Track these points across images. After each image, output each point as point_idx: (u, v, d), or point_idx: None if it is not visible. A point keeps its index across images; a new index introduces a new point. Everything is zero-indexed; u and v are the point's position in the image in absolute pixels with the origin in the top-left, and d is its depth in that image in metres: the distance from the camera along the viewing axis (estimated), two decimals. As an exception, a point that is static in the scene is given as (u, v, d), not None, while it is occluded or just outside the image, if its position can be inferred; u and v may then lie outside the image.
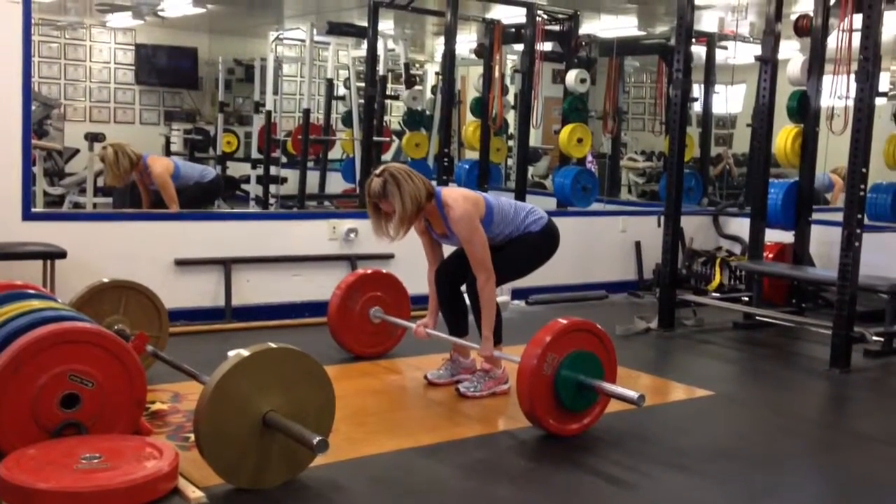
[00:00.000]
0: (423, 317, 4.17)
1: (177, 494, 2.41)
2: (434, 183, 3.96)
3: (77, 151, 8.71)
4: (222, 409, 2.69)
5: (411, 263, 4.60)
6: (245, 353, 2.76)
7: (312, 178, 8.88)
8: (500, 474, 3.12)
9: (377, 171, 3.66)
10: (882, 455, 3.50)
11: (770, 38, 5.66)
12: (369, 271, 4.61)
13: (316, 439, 2.61)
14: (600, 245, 6.75)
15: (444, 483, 3.01)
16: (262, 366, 2.78)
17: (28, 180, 4.77)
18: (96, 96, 10.36)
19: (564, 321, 3.45)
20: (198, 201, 5.89)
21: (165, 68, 10.75)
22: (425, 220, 3.86)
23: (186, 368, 3.31)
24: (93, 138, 7.54)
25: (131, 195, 5.96)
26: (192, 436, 2.85)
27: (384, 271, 4.67)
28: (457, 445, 3.34)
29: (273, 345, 2.84)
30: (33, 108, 5.20)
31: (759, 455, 3.42)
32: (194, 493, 2.41)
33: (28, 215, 4.71)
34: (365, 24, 7.42)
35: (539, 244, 3.97)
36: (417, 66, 10.38)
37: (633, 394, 3.33)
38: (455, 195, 3.78)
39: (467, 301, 4.02)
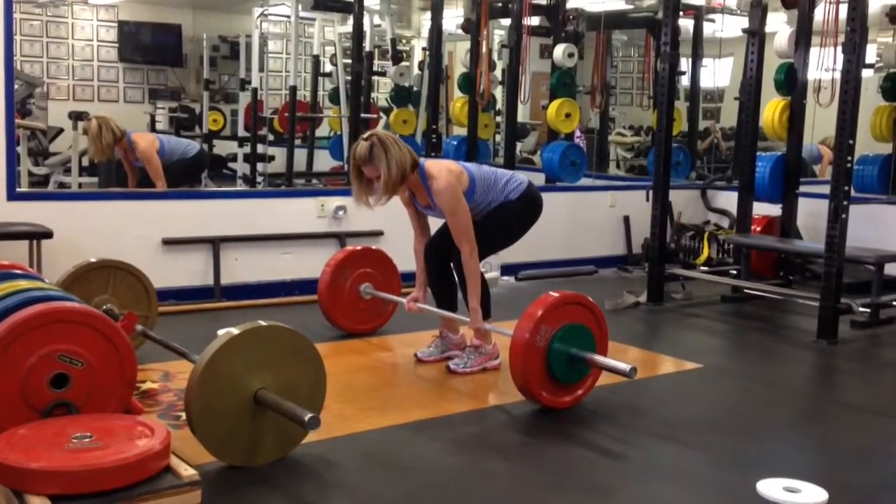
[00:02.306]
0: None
1: (169, 472, 2.41)
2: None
3: (61, 131, 8.64)
4: (213, 388, 2.69)
5: (401, 240, 4.59)
6: (235, 331, 2.76)
7: (300, 155, 8.83)
8: (492, 449, 3.14)
9: (365, 136, 3.65)
10: (869, 424, 3.54)
11: (757, 11, 5.66)
12: (359, 248, 4.60)
13: (307, 416, 2.61)
14: (589, 220, 6.76)
15: (436, 458, 3.03)
16: (253, 344, 2.78)
17: (12, 160, 4.73)
18: (79, 74, 10.26)
19: (556, 294, 3.46)
20: (184, 178, 5.86)
21: (149, 45, 10.65)
22: (409, 192, 3.86)
23: (176, 347, 3.31)
24: (77, 117, 7.47)
25: (117, 174, 5.92)
26: (183, 414, 2.85)
27: (373, 248, 4.66)
28: (448, 421, 3.36)
29: (263, 323, 2.84)
30: (16, 87, 5.14)
31: (748, 426, 3.45)
32: (186, 470, 2.41)
33: (13, 195, 4.68)
34: (350, -1, 7.35)
35: (520, 211, 3.95)
36: (404, 41, 10.30)
37: (624, 366, 3.35)
38: (439, 167, 3.77)
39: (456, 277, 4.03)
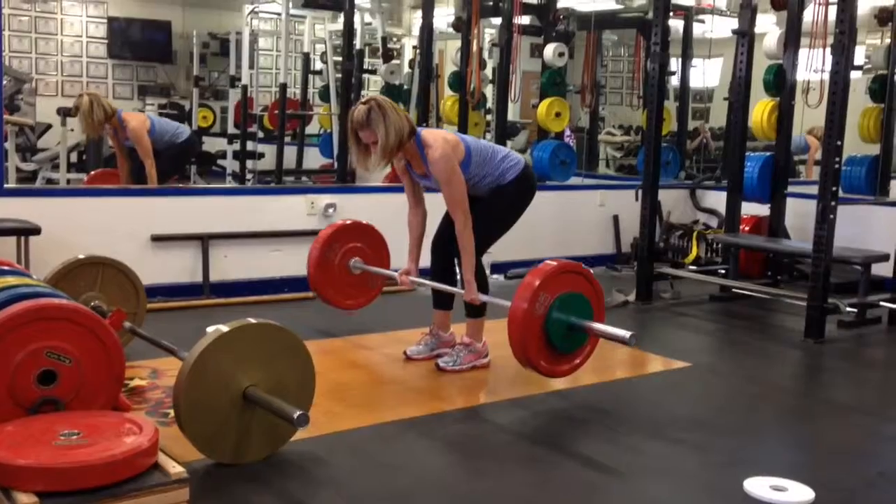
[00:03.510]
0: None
1: (157, 470, 2.40)
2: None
3: (49, 126, 8.59)
4: (202, 385, 2.68)
5: (390, 238, 4.59)
6: (224, 328, 2.75)
7: (290, 153, 8.83)
8: (481, 447, 3.14)
9: (363, 100, 3.63)
10: (855, 423, 3.56)
11: (747, 12, 5.68)
12: (348, 222, 4.55)
13: (296, 413, 2.61)
14: (578, 219, 6.77)
15: (425, 456, 3.03)
16: (242, 341, 2.77)
17: (0, 157, 4.70)
18: (68, 70, 10.19)
19: (554, 263, 3.45)
20: (175, 164, 5.86)
21: (139, 42, 10.59)
22: (405, 160, 3.84)
23: (165, 344, 3.30)
24: (65, 113, 7.44)
25: (105, 158, 5.90)
26: (171, 411, 2.84)
27: (363, 222, 4.61)
28: (437, 419, 3.36)
29: (252, 320, 2.83)
30: (4, 82, 5.12)
31: (736, 424, 3.47)
32: (175, 468, 2.41)
33: (1, 191, 4.66)
34: (341, -4, 7.34)
35: (515, 196, 3.92)
36: (395, 39, 10.29)
37: (623, 333, 3.34)
38: (435, 136, 3.74)
39: (458, 274, 4.02)
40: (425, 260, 4.08)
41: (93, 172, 6.53)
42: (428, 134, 3.75)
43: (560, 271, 3.43)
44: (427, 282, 4.06)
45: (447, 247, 3.97)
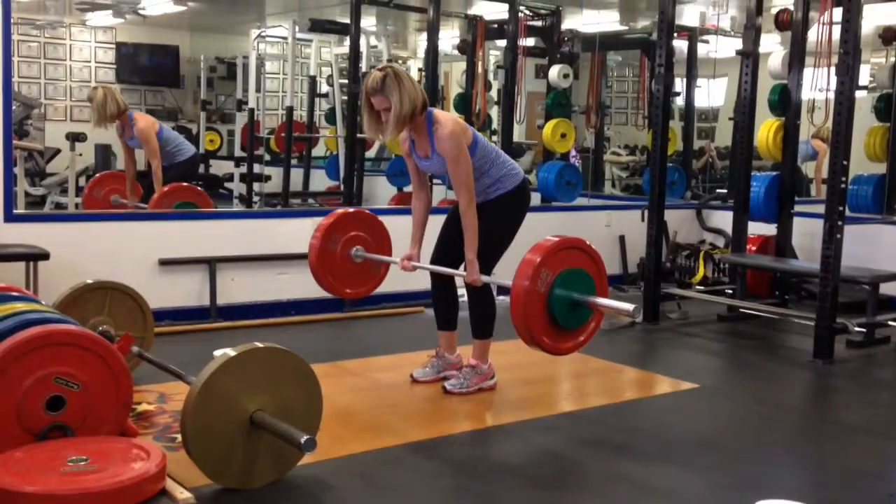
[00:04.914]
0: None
1: (164, 496, 2.40)
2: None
3: (58, 151, 8.66)
4: (209, 410, 2.69)
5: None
6: (231, 352, 2.76)
7: (296, 175, 8.86)
8: (488, 471, 3.13)
9: (379, 67, 3.66)
10: (865, 445, 3.54)
11: (751, 33, 5.70)
12: (351, 210, 4.50)
13: (303, 438, 2.61)
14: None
15: (433, 479, 3.02)
16: (249, 365, 2.78)
17: (10, 182, 4.73)
18: (77, 95, 10.29)
19: (555, 238, 3.43)
20: (181, 181, 5.89)
21: (147, 67, 10.70)
22: (410, 141, 3.84)
23: (172, 369, 3.30)
24: (74, 138, 7.49)
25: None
26: (179, 436, 2.85)
27: (364, 210, 4.58)
28: (444, 442, 3.35)
29: (259, 344, 2.84)
30: (13, 108, 5.16)
31: (745, 446, 3.45)
32: (182, 493, 2.41)
33: (10, 217, 4.68)
34: (347, 20, 7.40)
35: (511, 209, 3.88)
36: (400, 62, 10.37)
37: (627, 306, 3.32)
38: (446, 116, 3.76)
39: (460, 294, 4.01)
40: (426, 255, 4.07)
41: (97, 175, 6.52)
42: (440, 113, 3.76)
43: (561, 247, 3.41)
44: (428, 266, 4.01)
45: (447, 275, 3.97)
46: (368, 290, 4.46)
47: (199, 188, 5.77)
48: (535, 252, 3.36)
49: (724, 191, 7.34)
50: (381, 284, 4.50)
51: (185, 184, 5.66)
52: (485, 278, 3.78)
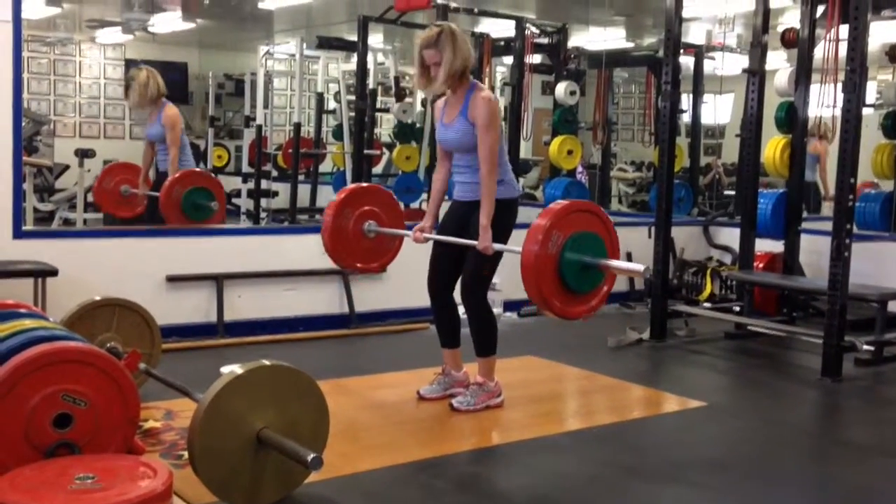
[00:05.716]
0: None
1: (171, 513, 2.40)
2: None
3: (67, 167, 8.70)
4: (216, 427, 2.68)
5: (403, 279, 4.60)
6: (238, 370, 2.76)
7: (303, 191, 8.89)
8: (495, 489, 3.12)
9: (437, 23, 3.79)
10: (874, 464, 3.52)
11: (757, 50, 5.71)
12: (364, 185, 4.50)
13: (310, 456, 2.60)
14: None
15: (440, 498, 3.01)
16: (256, 383, 2.78)
17: (19, 198, 4.75)
18: (86, 112, 10.35)
19: (564, 202, 3.43)
20: None
21: (156, 83, 10.72)
22: (442, 110, 3.90)
23: (179, 386, 3.30)
24: (83, 154, 7.53)
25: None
26: (185, 454, 2.84)
27: (377, 185, 4.57)
28: (451, 460, 3.35)
29: (266, 361, 2.84)
30: (23, 124, 5.20)
31: (753, 466, 3.43)
32: (189, 511, 2.41)
33: (19, 233, 4.70)
34: (354, 38, 7.45)
35: (500, 218, 3.80)
36: (407, 78, 10.40)
37: (639, 266, 3.33)
38: (488, 90, 3.88)
39: (461, 313, 4.01)
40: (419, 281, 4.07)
41: (107, 166, 6.54)
42: (482, 85, 3.89)
43: (571, 210, 3.41)
44: (440, 237, 4.00)
45: (444, 292, 3.99)
46: (383, 265, 4.45)
47: (211, 174, 5.78)
48: (545, 216, 3.36)
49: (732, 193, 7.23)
50: (387, 301, 4.51)
51: (197, 169, 5.67)
52: (496, 246, 3.74)
